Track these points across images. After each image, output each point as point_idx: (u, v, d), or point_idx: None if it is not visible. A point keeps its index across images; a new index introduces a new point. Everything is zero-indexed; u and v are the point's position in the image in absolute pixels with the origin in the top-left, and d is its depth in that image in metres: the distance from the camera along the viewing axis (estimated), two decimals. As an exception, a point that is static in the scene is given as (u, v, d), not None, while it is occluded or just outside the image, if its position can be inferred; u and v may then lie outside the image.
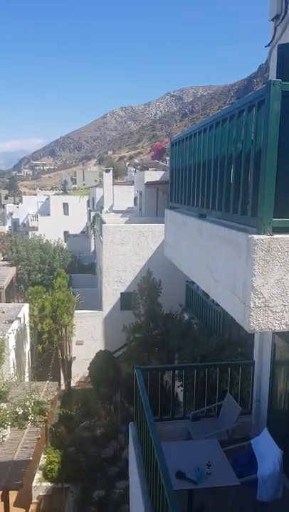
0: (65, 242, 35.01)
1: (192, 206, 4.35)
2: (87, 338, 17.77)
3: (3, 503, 8.01)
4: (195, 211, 4.26)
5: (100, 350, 14.74)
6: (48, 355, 12.84)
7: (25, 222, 50.26)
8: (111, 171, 29.24)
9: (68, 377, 15.60)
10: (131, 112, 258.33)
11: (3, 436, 8.66)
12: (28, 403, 9.32)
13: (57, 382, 11.55)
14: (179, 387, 7.20)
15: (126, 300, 16.70)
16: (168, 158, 25.84)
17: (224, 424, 6.06)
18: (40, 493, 10.46)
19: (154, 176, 22.04)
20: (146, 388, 5.57)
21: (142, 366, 6.21)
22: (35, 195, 63.88)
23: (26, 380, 13.34)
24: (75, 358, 16.58)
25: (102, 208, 29.07)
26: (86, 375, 15.41)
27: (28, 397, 9.57)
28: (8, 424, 8.87)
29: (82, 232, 41.65)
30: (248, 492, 4.75)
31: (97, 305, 19.11)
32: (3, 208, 72.72)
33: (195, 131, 4.18)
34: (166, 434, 6.06)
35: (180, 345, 10.90)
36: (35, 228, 42.42)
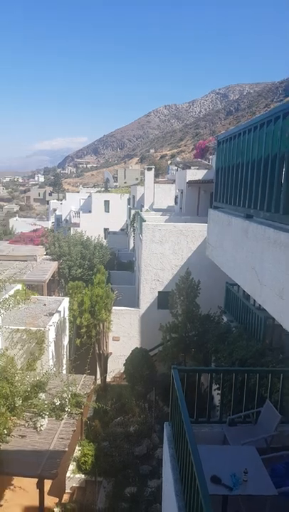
0: (105, 239, 35.45)
1: (238, 206, 4.25)
2: (124, 335, 17.92)
3: (38, 490, 8.22)
4: (241, 211, 4.16)
5: (136, 348, 14.80)
6: (86, 349, 13.04)
7: (67, 218, 51.38)
8: (152, 170, 29.25)
9: (104, 372, 15.80)
10: (175, 110, 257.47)
11: (41, 425, 8.89)
12: (65, 395, 9.52)
13: (93, 377, 11.72)
14: (215, 390, 7.09)
15: (163, 299, 16.68)
16: (211, 156, 25.52)
17: (263, 431, 5.91)
18: (74, 484, 10.65)
19: (196, 174, 21.83)
20: (182, 389, 5.53)
21: (179, 367, 6.16)
22: (78, 192, 65.11)
23: (64, 372, 13.64)
24: (111, 353, 16.77)
25: (143, 206, 29.16)
26: (121, 371, 15.53)
27: (65, 389, 9.78)
28: (46, 414, 9.11)
29: (122, 229, 42.01)
30: (286, 503, 4.60)
31: (134, 302, 19.22)
32: (48, 204, 74.60)
33: (244, 129, 4.08)
34: (202, 437, 5.98)
35: (217, 348, 10.73)
36: (77, 224, 43.26)
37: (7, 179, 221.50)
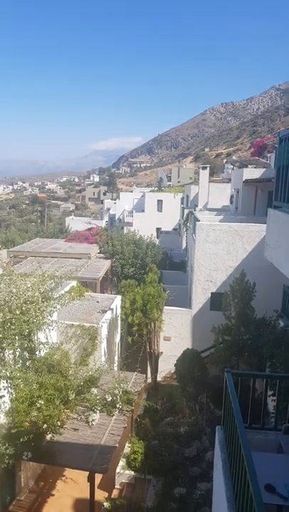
0: (158, 238, 35.54)
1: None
2: (175, 335, 17.86)
3: (89, 483, 8.39)
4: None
5: (188, 349, 14.70)
6: (137, 347, 13.16)
7: (121, 217, 52.11)
8: (208, 168, 28.93)
9: (155, 371, 15.85)
10: (232, 108, 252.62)
11: (93, 419, 9.07)
12: (116, 391, 9.65)
13: (144, 375, 11.79)
14: (270, 396, 6.86)
15: (216, 300, 16.42)
16: (269, 154, 24.76)
17: None
18: (123, 480, 10.78)
19: (253, 173, 21.26)
20: (236, 393, 5.40)
21: (233, 370, 6.02)
22: (132, 191, 65.80)
23: (115, 369, 13.85)
24: (162, 353, 16.79)
25: (196, 205, 28.90)
26: (172, 371, 15.50)
27: (117, 385, 9.91)
28: (97, 409, 9.28)
29: (174, 229, 41.88)
30: None
31: (186, 303, 19.09)
32: (102, 203, 76.13)
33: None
34: (255, 444, 5.80)
35: (274, 353, 10.37)
36: (130, 224, 43.74)
37: (64, 179, 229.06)
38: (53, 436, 8.49)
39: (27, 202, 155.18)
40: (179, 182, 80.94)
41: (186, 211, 29.80)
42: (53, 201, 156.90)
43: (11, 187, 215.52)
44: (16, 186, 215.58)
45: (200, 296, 17.60)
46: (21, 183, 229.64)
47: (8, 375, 8.12)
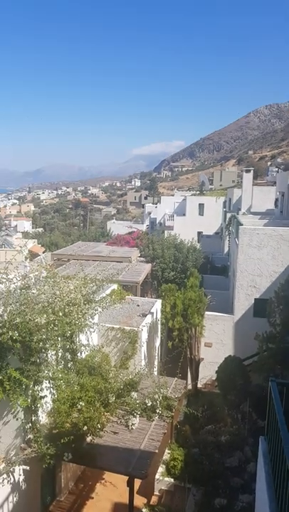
0: (199, 242, 35.18)
1: None
2: (216, 341, 17.54)
3: (128, 488, 8.35)
4: None
5: (229, 356, 14.37)
6: (178, 353, 13.01)
7: (161, 221, 52.10)
8: (251, 171, 28.32)
9: (195, 377, 15.60)
10: (276, 110, 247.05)
11: (133, 424, 9.04)
12: (156, 396, 9.57)
13: (184, 381, 11.63)
14: None
15: (260, 306, 15.96)
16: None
17: None
18: (162, 487, 10.65)
19: (299, 176, 20.59)
20: (281, 403, 5.18)
21: (278, 379, 5.79)
22: (173, 195, 65.67)
23: (155, 373, 13.76)
24: (203, 359, 16.52)
25: (239, 209, 28.34)
26: (213, 378, 15.20)
27: (156, 390, 9.82)
28: (137, 413, 9.23)
29: (216, 233, 41.31)
30: None
31: (228, 308, 18.71)
32: (143, 207, 76.55)
33: None
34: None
35: None
36: (171, 227, 43.62)
37: (106, 184, 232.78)
38: (93, 438, 8.53)
39: (70, 206, 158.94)
40: (221, 185, 79.94)
41: (228, 215, 29.32)
42: (95, 205, 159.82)
43: (55, 192, 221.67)
44: (60, 191, 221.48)
45: (243, 302, 17.19)
46: (65, 188, 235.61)
47: (51, 375, 8.25)
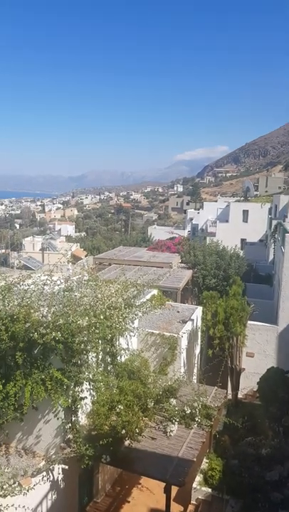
0: (242, 249, 34.55)
1: None
2: (258, 352, 17.12)
3: (165, 495, 8.29)
4: None
5: (272, 367, 13.96)
6: (218, 361, 12.80)
7: (203, 227, 51.67)
8: (298, 178, 27.53)
9: (236, 387, 15.28)
10: None
11: (171, 430, 8.97)
12: (196, 404, 9.45)
13: (225, 391, 11.40)
14: None
15: (306, 317, 15.44)
16: None
17: None
18: (199, 497, 10.48)
19: None
20: None
21: None
22: (216, 201, 65.02)
23: (194, 381, 13.61)
24: (244, 369, 16.16)
25: (286, 216, 27.62)
26: (254, 389, 14.83)
27: (196, 398, 9.71)
28: (176, 420, 9.16)
29: (261, 240, 40.41)
30: None
31: (272, 318, 18.20)
32: (185, 213, 76.32)
33: None
34: None
35: None
36: (213, 234, 43.13)
37: (148, 189, 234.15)
38: (131, 442, 8.55)
39: (112, 211, 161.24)
40: (266, 192, 78.29)
41: (274, 222, 28.62)
42: (136, 211, 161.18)
43: (98, 197, 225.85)
44: (102, 196, 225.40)
45: (288, 313, 16.68)
46: (108, 194, 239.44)
47: (91, 377, 8.37)
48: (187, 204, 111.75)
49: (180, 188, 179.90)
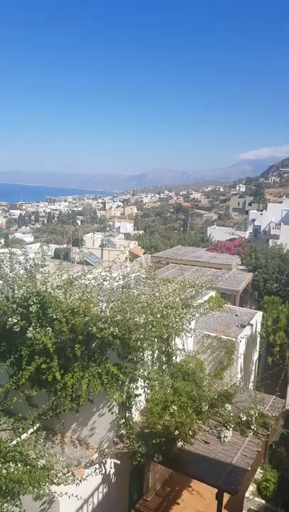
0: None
1: None
2: None
3: (216, 501, 8.11)
4: None
5: None
6: (278, 370, 12.29)
7: (266, 229, 50.06)
8: None
9: (295, 397, 14.62)
10: None
11: (225, 436, 8.76)
12: (252, 412, 9.15)
13: (284, 400, 10.92)
14: None
15: None
16: None
17: None
18: (252, 507, 10.18)
19: None
20: None
21: None
22: (281, 202, 62.73)
23: (251, 388, 13.19)
24: (304, 379, 15.41)
25: None
26: (315, 400, 14.09)
27: (252, 405, 9.40)
28: (230, 426, 8.93)
29: None
30: None
31: None
32: (247, 214, 74.47)
33: None
34: None
35: None
36: (276, 236, 41.63)
37: (209, 189, 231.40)
38: (184, 444, 8.45)
39: (171, 210, 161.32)
40: None
41: None
42: (196, 210, 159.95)
43: (158, 196, 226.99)
44: (162, 195, 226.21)
45: None
46: (168, 192, 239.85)
47: (146, 375, 8.37)
48: (249, 204, 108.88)
49: (242, 188, 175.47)
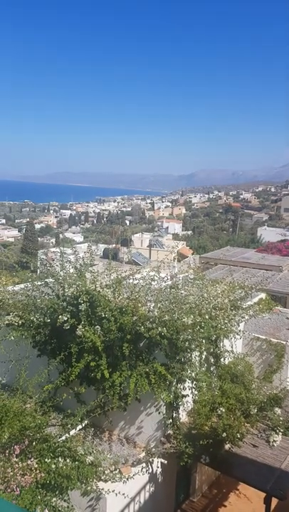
0: None
1: None
2: None
3: (264, 505, 7.95)
4: None
5: None
6: None
7: None
8: None
9: None
10: None
11: (274, 440, 8.57)
12: (303, 418, 8.88)
13: None
14: None
15: None
16: None
17: None
18: (302, 516, 9.85)
19: None
20: None
21: None
22: None
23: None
24: None
25: None
26: None
27: (303, 411, 9.12)
28: (280, 431, 8.72)
29: None
30: None
31: None
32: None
33: None
34: None
35: None
36: None
37: (260, 189, 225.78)
38: (231, 447, 8.36)
39: (220, 210, 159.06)
40: None
41: None
42: (246, 211, 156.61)
43: (207, 196, 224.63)
44: (211, 195, 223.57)
45: None
46: (217, 192, 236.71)
47: (194, 376, 8.36)
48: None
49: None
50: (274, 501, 8.31)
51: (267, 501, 7.85)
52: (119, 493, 7.13)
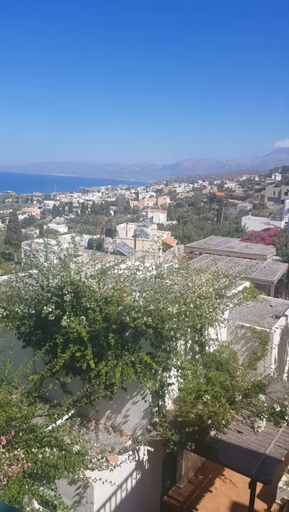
0: None
1: None
2: None
3: (250, 490, 8.12)
4: None
5: None
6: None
7: (302, 218, 48.74)
8: None
9: None
10: None
11: (259, 426, 8.71)
12: (286, 403, 9.05)
13: None
14: None
15: None
16: None
17: None
18: (285, 497, 10.12)
19: None
20: None
21: None
22: None
23: (285, 379, 13.02)
24: None
25: None
26: None
27: (286, 396, 9.31)
28: (264, 417, 8.87)
29: None
30: None
31: None
32: (282, 203, 72.65)
33: None
34: None
35: None
36: (313, 226, 40.49)
37: (244, 178, 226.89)
38: (216, 433, 8.48)
39: (205, 200, 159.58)
40: None
41: None
42: (230, 200, 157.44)
43: (191, 185, 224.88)
44: (196, 185, 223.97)
45: None
46: (201, 182, 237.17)
47: (179, 364, 8.42)
48: (285, 194, 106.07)
49: (278, 177, 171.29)
50: (259, 486, 8.51)
51: (252, 486, 8.01)
52: (106, 481, 7.19)
